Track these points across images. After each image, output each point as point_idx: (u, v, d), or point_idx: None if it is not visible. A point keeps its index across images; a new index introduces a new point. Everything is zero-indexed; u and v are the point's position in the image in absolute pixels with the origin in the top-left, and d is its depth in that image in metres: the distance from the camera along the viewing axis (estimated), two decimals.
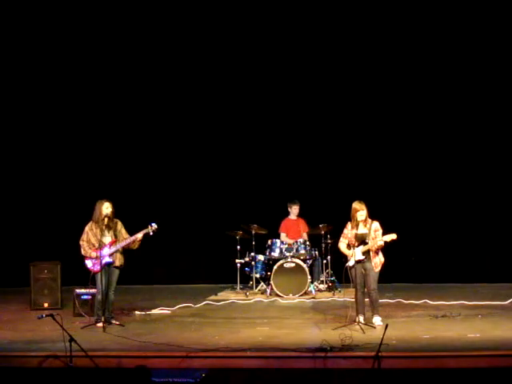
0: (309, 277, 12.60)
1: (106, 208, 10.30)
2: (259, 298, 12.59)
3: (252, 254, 13.08)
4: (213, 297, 12.77)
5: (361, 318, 9.80)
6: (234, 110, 14.39)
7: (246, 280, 13.28)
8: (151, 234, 10.36)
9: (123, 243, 10.34)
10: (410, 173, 13.98)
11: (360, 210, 9.86)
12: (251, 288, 13.09)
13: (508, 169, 13.70)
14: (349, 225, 10.02)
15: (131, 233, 10.41)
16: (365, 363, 7.87)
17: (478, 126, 13.79)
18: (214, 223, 14.19)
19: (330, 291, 12.79)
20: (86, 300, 11.16)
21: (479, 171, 13.80)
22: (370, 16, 13.81)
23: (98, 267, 10.18)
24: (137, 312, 11.41)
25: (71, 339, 7.88)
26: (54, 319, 8.19)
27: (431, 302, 11.50)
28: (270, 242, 13.16)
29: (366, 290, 9.96)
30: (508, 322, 9.92)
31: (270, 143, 14.35)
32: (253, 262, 13.09)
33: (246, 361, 8.29)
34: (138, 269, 13.76)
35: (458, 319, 10.25)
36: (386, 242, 9.80)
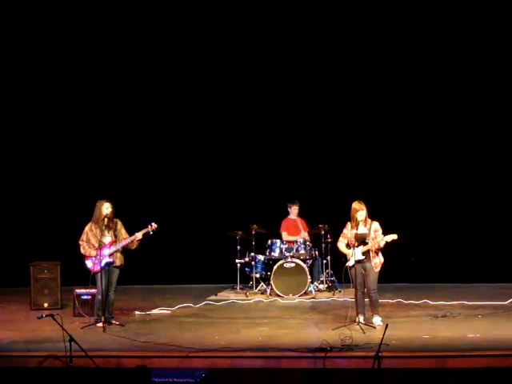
0: (309, 277, 12.60)
1: (106, 208, 10.30)
2: (259, 297, 12.59)
3: (252, 254, 13.08)
4: (213, 297, 12.77)
5: (361, 318, 9.81)
6: (234, 109, 14.38)
7: (245, 280, 13.28)
8: (151, 233, 10.37)
9: (123, 243, 10.34)
10: (410, 173, 13.97)
11: (360, 210, 9.86)
12: (251, 288, 13.09)
13: (508, 169, 13.70)
14: (348, 225, 10.03)
15: (131, 233, 10.41)
16: (365, 363, 7.88)
17: (477, 126, 13.79)
18: (214, 223, 14.19)
19: (329, 291, 12.79)
20: (85, 300, 11.16)
21: (479, 172, 13.79)
22: (370, 16, 13.80)
23: (98, 267, 10.18)
24: (137, 312, 11.41)
25: (71, 339, 7.88)
26: (54, 319, 8.19)
27: (431, 302, 11.50)
28: (269, 241, 13.17)
29: (365, 290, 9.97)
30: (508, 321, 9.94)
31: (270, 143, 14.34)
32: (253, 262, 13.09)
33: (245, 361, 8.29)
34: (138, 269, 13.77)
35: (458, 319, 10.25)
36: (386, 243, 9.81)
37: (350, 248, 9.95)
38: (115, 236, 10.37)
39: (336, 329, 9.50)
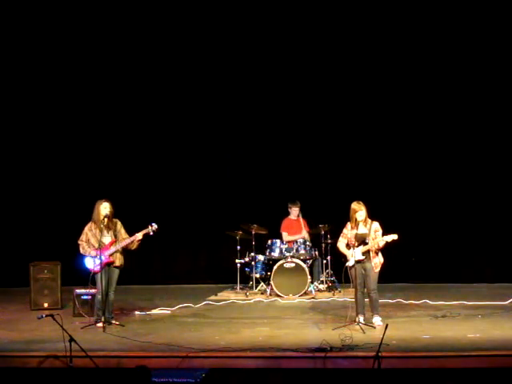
0: (309, 277, 12.59)
1: (105, 208, 10.29)
2: (259, 297, 12.59)
3: (252, 254, 13.08)
4: (213, 297, 12.77)
5: (361, 318, 9.81)
6: (234, 110, 14.38)
7: (245, 280, 13.28)
8: (151, 234, 10.36)
9: (123, 243, 10.33)
10: (410, 173, 13.98)
11: (359, 211, 9.86)
12: (251, 288, 13.09)
13: (507, 169, 13.70)
14: (348, 225, 10.03)
15: (131, 233, 10.41)
16: (365, 363, 7.88)
17: (477, 126, 13.79)
18: (214, 223, 14.19)
19: (329, 291, 12.79)
20: (85, 300, 11.15)
21: (479, 172, 13.79)
22: (369, 16, 13.80)
23: (98, 267, 10.18)
24: (137, 312, 11.41)
25: (71, 339, 7.88)
26: (54, 319, 8.19)
27: (431, 302, 11.50)
28: (269, 241, 13.16)
29: (365, 290, 9.97)
30: (508, 321, 9.94)
31: (270, 143, 14.34)
32: (253, 262, 13.09)
33: (245, 361, 8.29)
34: (138, 269, 13.79)
35: (458, 319, 10.26)
36: (386, 243, 9.80)
37: (349, 248, 9.95)
38: (115, 236, 10.36)
39: (336, 329, 9.50)
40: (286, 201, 13.47)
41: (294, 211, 13.41)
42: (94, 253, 10.21)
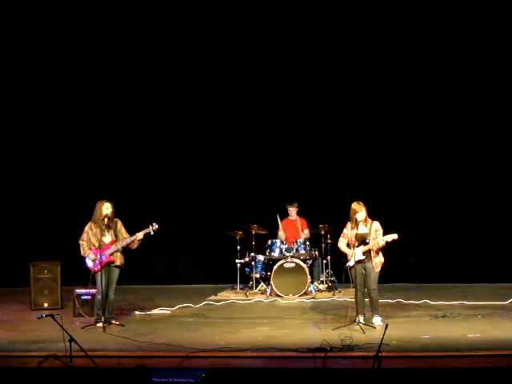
0: (309, 277, 12.59)
1: (107, 208, 10.30)
2: (259, 297, 12.59)
3: (252, 254, 13.08)
4: (213, 297, 12.77)
5: (361, 318, 9.81)
6: (234, 110, 14.38)
7: (246, 280, 13.28)
8: (152, 233, 10.37)
9: (123, 243, 10.33)
10: (409, 173, 13.97)
11: (359, 211, 9.86)
12: (251, 288, 13.09)
13: (507, 169, 13.70)
14: (349, 224, 10.02)
15: (131, 232, 10.41)
16: (365, 363, 7.88)
17: (477, 126, 13.79)
18: (214, 223, 14.19)
19: (329, 291, 12.79)
20: (86, 300, 11.16)
21: (478, 172, 13.79)
22: (369, 16, 13.80)
23: (98, 267, 10.18)
24: (137, 312, 11.41)
25: (71, 339, 7.88)
26: (54, 319, 8.20)
27: (431, 302, 11.50)
28: (269, 241, 13.17)
29: (366, 290, 9.97)
30: (508, 322, 9.93)
31: (270, 143, 14.34)
32: (253, 262, 13.09)
33: (245, 361, 8.30)
34: (138, 269, 13.79)
35: (458, 319, 10.25)
36: (386, 242, 9.80)
37: (350, 248, 9.95)
38: (115, 236, 10.36)
39: (336, 329, 9.50)
40: (286, 201, 13.47)
41: (291, 211, 13.42)
42: (92, 256, 10.20)
